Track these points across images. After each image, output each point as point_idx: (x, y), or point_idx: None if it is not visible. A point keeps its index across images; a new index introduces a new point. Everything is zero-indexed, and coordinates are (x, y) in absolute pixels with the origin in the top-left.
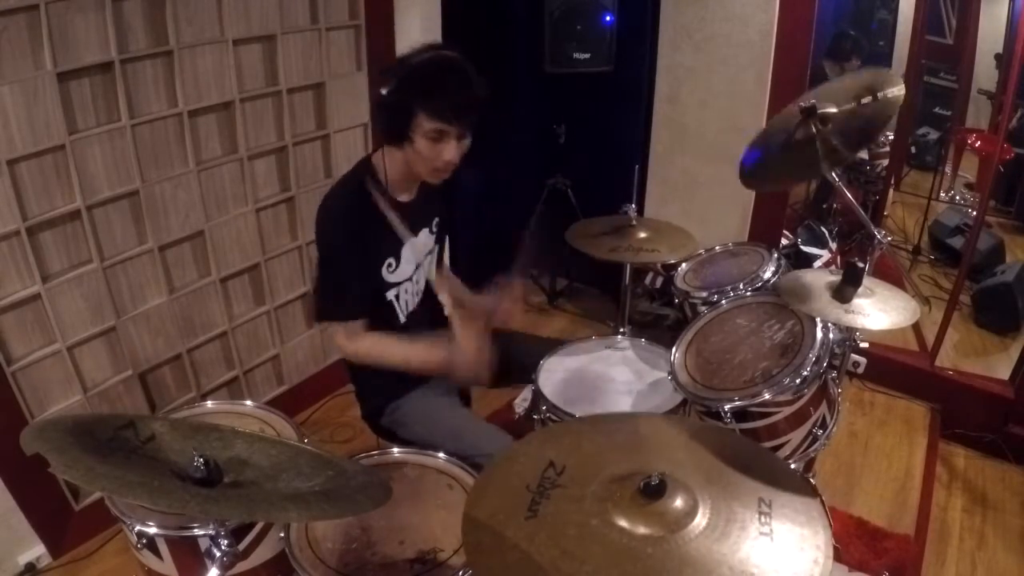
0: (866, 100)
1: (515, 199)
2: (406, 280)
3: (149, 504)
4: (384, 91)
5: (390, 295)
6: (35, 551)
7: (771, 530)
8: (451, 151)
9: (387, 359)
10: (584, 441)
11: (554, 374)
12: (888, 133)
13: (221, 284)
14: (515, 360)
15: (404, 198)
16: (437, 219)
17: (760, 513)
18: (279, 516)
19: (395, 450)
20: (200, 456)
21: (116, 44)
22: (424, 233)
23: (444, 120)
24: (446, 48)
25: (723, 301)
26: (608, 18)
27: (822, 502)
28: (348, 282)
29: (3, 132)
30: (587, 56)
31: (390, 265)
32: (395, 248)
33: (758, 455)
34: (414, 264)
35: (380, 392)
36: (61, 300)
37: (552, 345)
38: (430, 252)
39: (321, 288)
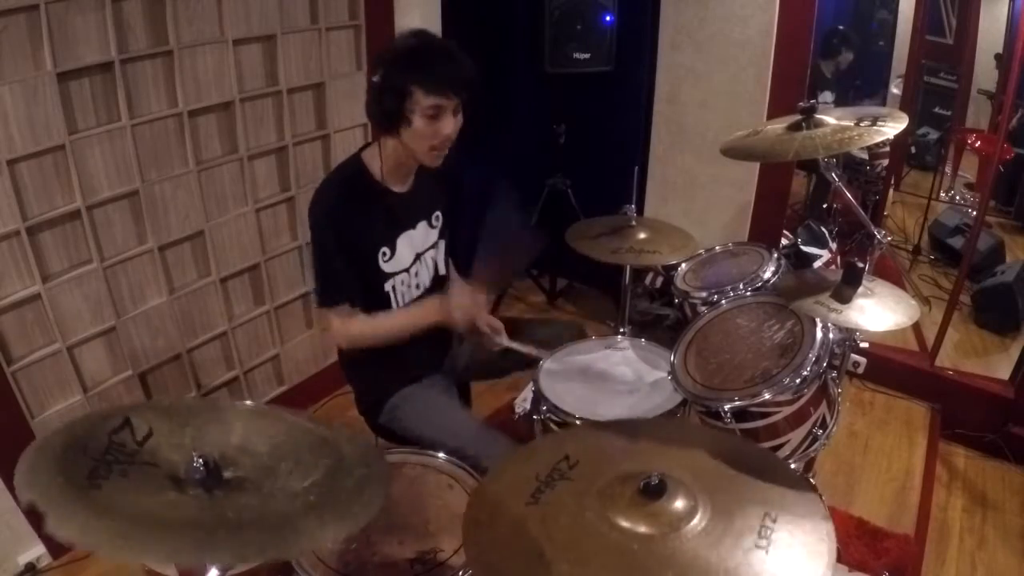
0: (866, 123)
1: (515, 199)
2: (402, 271)
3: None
4: (376, 78)
5: (387, 286)
6: (35, 551)
7: (768, 544)
8: (449, 126)
9: (381, 333)
10: (605, 441)
11: (554, 374)
12: None
13: (221, 284)
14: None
15: (399, 188)
16: (438, 213)
17: (762, 527)
18: (292, 549)
19: (395, 450)
20: (199, 456)
21: (116, 44)
22: (423, 226)
23: (441, 93)
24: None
25: (723, 301)
26: (608, 18)
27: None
28: (336, 268)
29: (3, 132)
30: (587, 56)
31: (384, 254)
32: (390, 237)
33: (778, 470)
34: (412, 256)
35: (377, 389)
36: (61, 300)
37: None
38: (432, 247)
39: (315, 277)
